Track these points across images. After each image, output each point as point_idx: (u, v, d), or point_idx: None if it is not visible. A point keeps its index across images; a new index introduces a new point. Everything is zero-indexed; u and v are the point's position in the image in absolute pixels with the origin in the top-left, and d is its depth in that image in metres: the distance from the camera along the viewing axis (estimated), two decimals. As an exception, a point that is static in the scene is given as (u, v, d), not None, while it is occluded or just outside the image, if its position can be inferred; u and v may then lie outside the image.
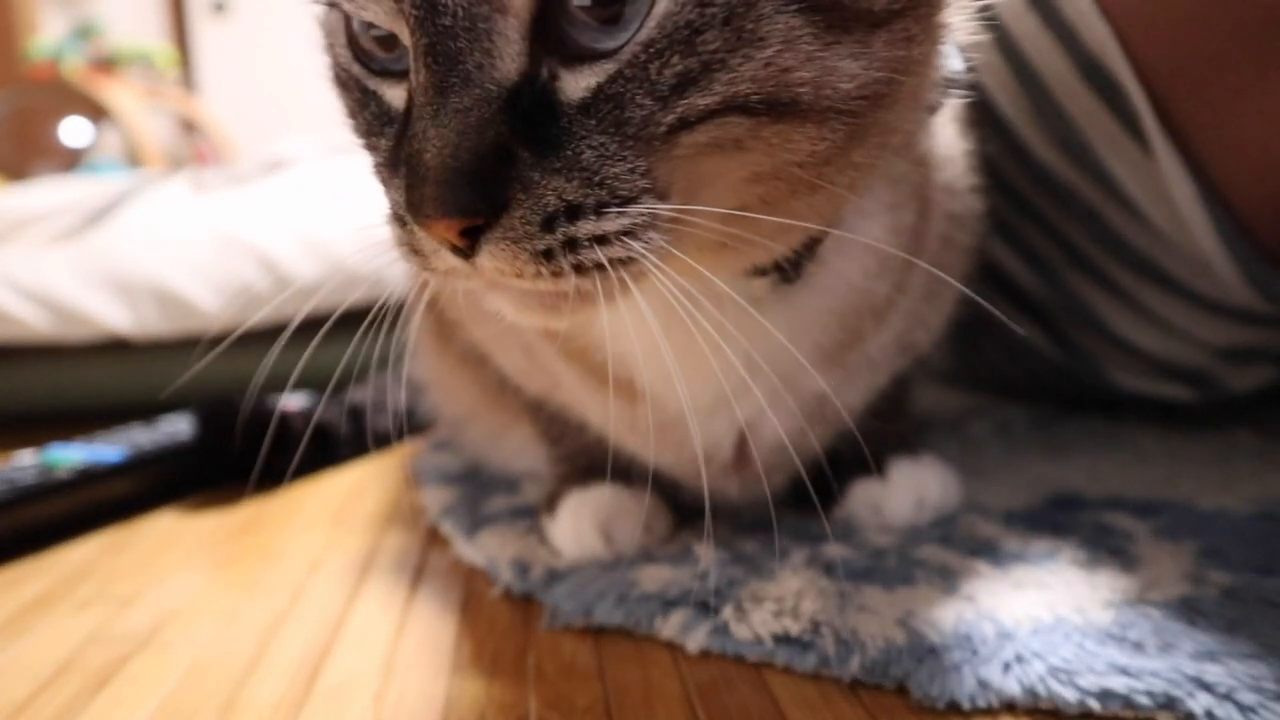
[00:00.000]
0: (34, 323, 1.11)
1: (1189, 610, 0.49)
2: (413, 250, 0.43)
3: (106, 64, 3.27)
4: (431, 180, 0.38)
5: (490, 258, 0.39)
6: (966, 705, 0.44)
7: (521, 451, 0.77)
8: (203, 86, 3.91)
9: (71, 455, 0.80)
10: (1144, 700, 0.42)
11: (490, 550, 0.63)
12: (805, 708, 0.45)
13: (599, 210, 0.39)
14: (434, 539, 0.70)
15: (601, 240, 0.39)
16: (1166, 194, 0.68)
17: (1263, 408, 0.89)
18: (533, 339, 0.61)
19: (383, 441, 0.95)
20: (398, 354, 0.55)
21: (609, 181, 0.39)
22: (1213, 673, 0.43)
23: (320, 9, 0.48)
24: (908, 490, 0.65)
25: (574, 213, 0.39)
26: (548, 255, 0.39)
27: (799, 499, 0.65)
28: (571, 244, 0.39)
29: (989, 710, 0.44)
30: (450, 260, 0.41)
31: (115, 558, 0.70)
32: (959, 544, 0.60)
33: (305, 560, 0.68)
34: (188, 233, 1.22)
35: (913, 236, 0.56)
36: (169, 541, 0.74)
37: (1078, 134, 0.71)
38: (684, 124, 0.39)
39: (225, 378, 0.86)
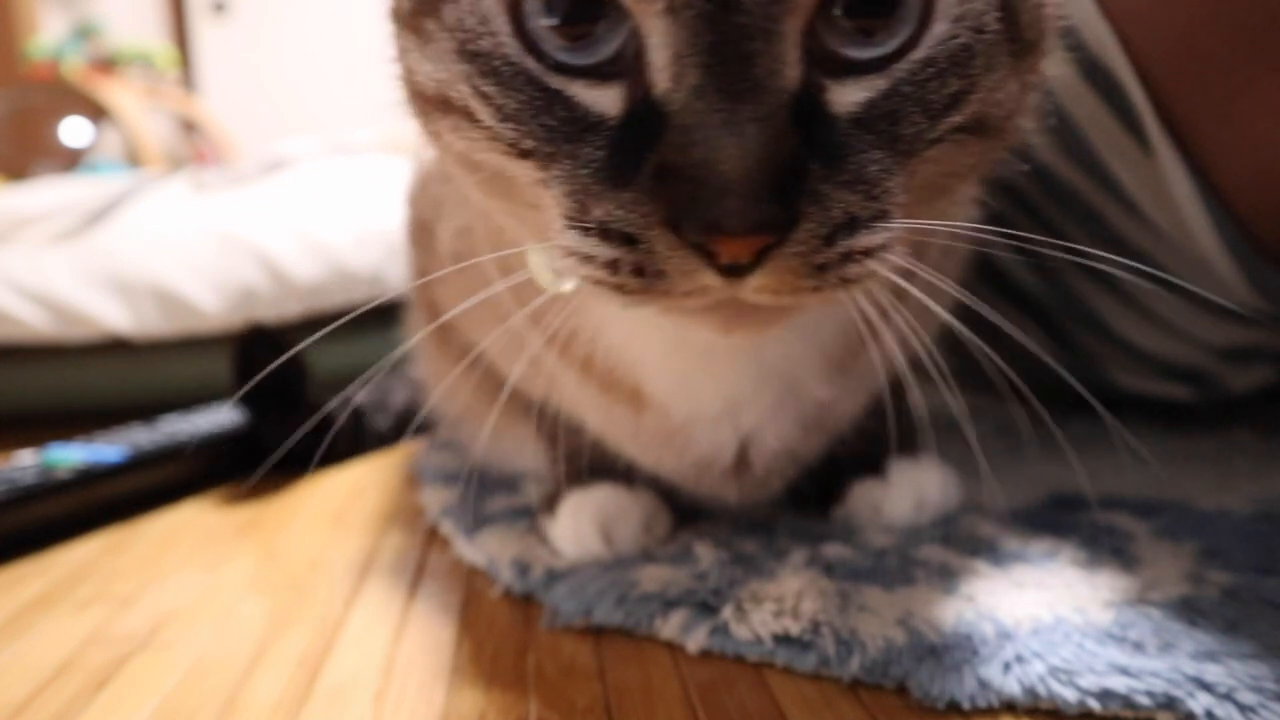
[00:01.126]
0: (34, 323, 1.11)
1: (1189, 610, 0.49)
2: (638, 270, 0.38)
3: (106, 64, 3.27)
4: (735, 193, 0.35)
5: (766, 275, 0.38)
6: (966, 705, 0.44)
7: (519, 449, 0.77)
8: (203, 86, 3.91)
9: (71, 455, 0.80)
10: (1144, 700, 0.42)
11: (490, 550, 0.63)
12: (805, 708, 0.45)
13: (870, 223, 0.39)
14: (434, 539, 0.70)
15: (867, 253, 0.39)
16: (1167, 194, 0.68)
17: (1263, 408, 0.89)
18: (536, 346, 0.61)
19: (383, 441, 0.95)
20: (403, 354, 0.55)
21: (884, 195, 0.39)
22: (1213, 673, 0.43)
23: None
24: (908, 490, 0.65)
25: (852, 226, 0.38)
26: (822, 269, 0.38)
27: (798, 500, 0.65)
28: (845, 257, 0.39)
29: (989, 710, 0.44)
30: (707, 279, 0.38)
31: (115, 558, 0.70)
32: (959, 544, 0.60)
33: (305, 560, 0.68)
34: (188, 233, 1.22)
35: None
36: (169, 541, 0.74)
37: (1079, 134, 0.71)
38: (938, 140, 0.40)
39: (226, 378, 0.87)
